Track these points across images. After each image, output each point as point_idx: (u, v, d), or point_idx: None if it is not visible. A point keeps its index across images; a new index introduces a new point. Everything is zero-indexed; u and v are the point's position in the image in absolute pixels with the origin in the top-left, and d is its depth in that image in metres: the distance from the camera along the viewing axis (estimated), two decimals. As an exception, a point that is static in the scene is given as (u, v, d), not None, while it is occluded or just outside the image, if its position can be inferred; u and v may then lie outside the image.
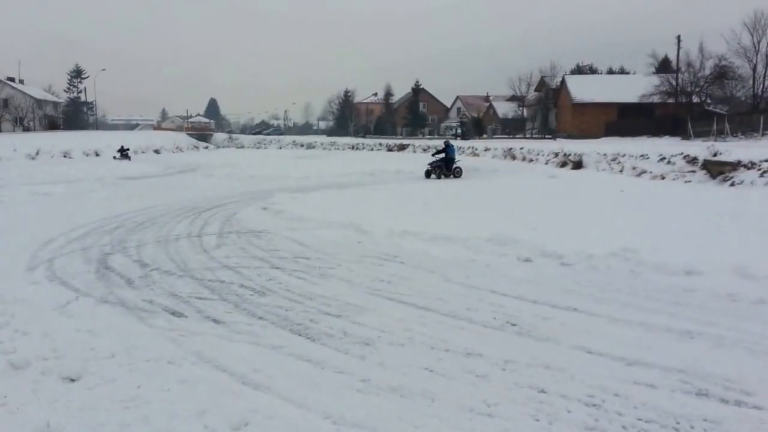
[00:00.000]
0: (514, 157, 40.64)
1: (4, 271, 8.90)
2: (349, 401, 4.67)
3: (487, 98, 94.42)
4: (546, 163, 34.65)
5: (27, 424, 4.05)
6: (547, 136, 62.52)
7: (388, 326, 6.39)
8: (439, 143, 34.55)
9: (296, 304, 7.29)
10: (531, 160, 37.30)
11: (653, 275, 8.36)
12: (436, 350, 5.72)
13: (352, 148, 69.25)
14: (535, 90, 71.65)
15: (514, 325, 6.46)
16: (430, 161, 27.60)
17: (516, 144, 45.76)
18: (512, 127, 74.69)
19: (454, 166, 27.21)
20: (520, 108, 73.20)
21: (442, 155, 27.17)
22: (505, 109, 78.18)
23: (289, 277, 8.65)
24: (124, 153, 43.65)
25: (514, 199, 17.43)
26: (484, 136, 74.38)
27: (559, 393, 4.78)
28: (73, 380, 4.80)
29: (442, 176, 26.80)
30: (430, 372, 5.24)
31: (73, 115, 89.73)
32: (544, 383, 4.97)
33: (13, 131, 62.39)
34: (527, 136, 68.45)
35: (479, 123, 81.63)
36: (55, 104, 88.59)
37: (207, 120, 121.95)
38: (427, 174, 27.07)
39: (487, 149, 46.85)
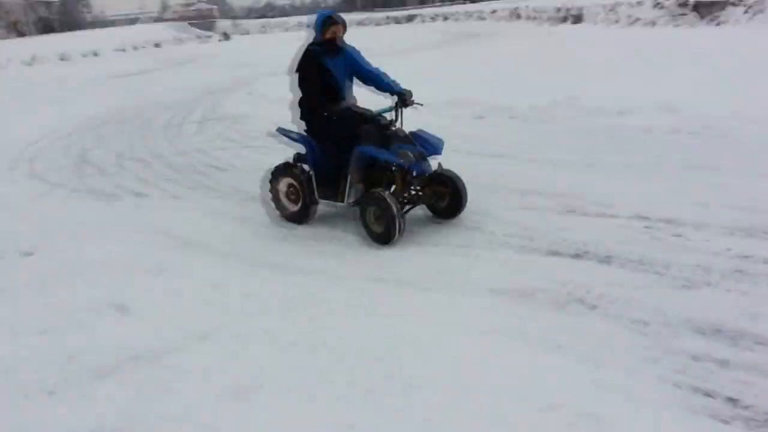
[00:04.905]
0: (518, 17, 39.95)
1: None
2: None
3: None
4: (547, 20, 34.20)
5: None
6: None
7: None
8: (453, 9, 29.23)
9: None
10: (535, 18, 36.77)
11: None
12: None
13: (358, 24, 67.15)
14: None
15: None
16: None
17: (524, 2, 44.05)
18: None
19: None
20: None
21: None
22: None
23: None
24: None
25: (486, 64, 16.96)
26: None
27: None
28: (29, 254, 5.47)
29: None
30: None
31: (69, 14, 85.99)
32: None
33: (8, 38, 60.51)
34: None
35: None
36: (47, 4, 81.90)
37: (209, 6, 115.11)
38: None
39: (493, 11, 45.40)
